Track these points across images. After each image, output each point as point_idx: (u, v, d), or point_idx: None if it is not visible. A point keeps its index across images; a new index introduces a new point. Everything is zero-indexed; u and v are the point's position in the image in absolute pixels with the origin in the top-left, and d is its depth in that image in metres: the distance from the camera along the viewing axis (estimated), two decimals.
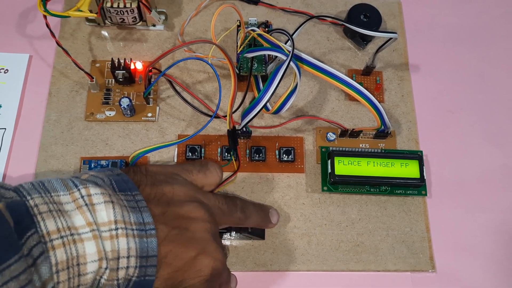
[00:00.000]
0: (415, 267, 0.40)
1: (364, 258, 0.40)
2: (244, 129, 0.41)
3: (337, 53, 0.47)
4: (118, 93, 0.44)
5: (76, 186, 0.27)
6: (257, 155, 0.42)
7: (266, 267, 0.39)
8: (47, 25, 0.41)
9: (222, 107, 0.44)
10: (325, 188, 0.41)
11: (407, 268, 0.40)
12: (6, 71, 0.45)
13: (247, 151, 0.43)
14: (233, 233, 0.39)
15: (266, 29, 0.45)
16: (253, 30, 0.42)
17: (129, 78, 0.43)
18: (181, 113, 0.44)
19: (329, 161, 0.41)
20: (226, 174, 0.41)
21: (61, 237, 0.25)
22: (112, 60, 0.42)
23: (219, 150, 0.42)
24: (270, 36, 0.41)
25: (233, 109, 0.42)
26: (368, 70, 0.45)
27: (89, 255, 0.26)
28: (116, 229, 0.27)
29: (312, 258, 0.40)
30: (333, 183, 0.41)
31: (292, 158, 0.42)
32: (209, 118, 0.41)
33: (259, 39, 0.42)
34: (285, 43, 0.41)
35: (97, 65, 0.45)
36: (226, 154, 0.42)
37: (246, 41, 0.42)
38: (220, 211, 0.35)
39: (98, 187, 0.28)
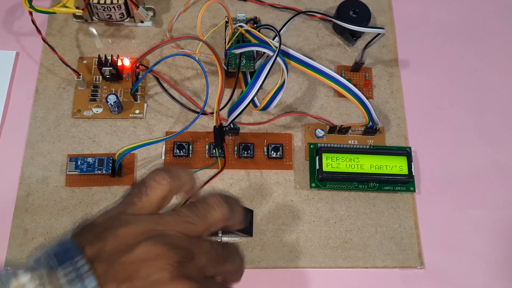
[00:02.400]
0: (404, 264, 0.40)
1: (353, 255, 0.40)
2: (231, 125, 0.41)
3: (326, 49, 0.47)
4: (106, 90, 0.44)
5: (7, 281, 0.25)
6: (245, 152, 0.42)
7: (254, 264, 0.39)
8: (33, 22, 0.40)
9: (210, 103, 0.44)
10: (313, 184, 0.41)
11: (395, 265, 0.40)
12: None
13: (235, 148, 0.42)
14: (220, 232, 0.38)
15: (254, 25, 0.45)
16: (241, 26, 0.42)
17: (117, 74, 0.43)
18: (169, 110, 0.44)
19: (317, 158, 0.41)
20: (213, 172, 0.41)
21: None
22: (99, 57, 0.42)
23: (207, 147, 0.42)
24: (257, 32, 0.41)
25: (221, 106, 0.42)
26: (357, 66, 0.45)
27: None
28: None
29: (300, 255, 0.40)
30: (321, 179, 0.40)
31: (280, 155, 0.42)
32: (196, 114, 0.41)
33: (247, 35, 0.41)
34: (273, 39, 0.41)
35: (85, 61, 0.45)
36: (213, 151, 0.41)
37: (234, 37, 0.42)
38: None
39: (29, 272, 0.25)
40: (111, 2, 0.42)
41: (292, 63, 0.40)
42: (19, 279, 0.25)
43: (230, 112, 0.39)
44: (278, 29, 0.42)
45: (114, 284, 0.26)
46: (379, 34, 0.40)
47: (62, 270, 0.26)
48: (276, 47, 0.38)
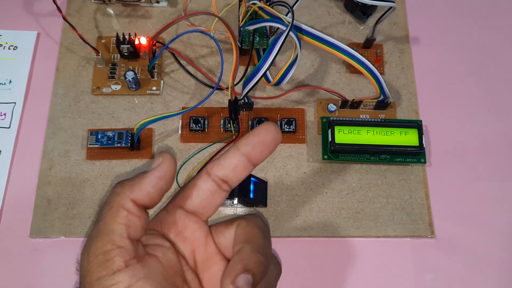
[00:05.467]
0: (415, 233, 0.41)
1: (364, 225, 0.41)
2: (246, 100, 0.42)
3: (337, 27, 0.48)
4: (124, 67, 0.45)
5: None
6: None
7: None
8: (54, 1, 0.42)
9: (225, 80, 0.45)
10: (325, 156, 0.42)
11: (406, 234, 0.41)
12: (15, 48, 0.46)
13: (249, 122, 0.44)
14: (236, 200, 0.40)
15: (268, 3, 0.46)
16: (254, 4, 0.43)
17: (134, 52, 0.44)
18: (184, 87, 0.45)
19: (329, 130, 0.42)
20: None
21: None
22: (117, 35, 0.43)
23: (222, 121, 0.43)
24: (271, 9, 0.41)
25: (235, 82, 0.43)
26: (369, 43, 0.46)
27: None
28: None
29: (313, 225, 0.41)
30: (334, 151, 0.41)
31: (293, 129, 0.43)
32: (211, 90, 0.42)
33: (260, 12, 0.42)
34: (286, 15, 0.42)
35: (103, 41, 0.46)
36: (228, 125, 0.43)
37: (248, 15, 0.43)
38: None
39: None
40: None
41: (305, 37, 0.41)
42: None
43: (244, 85, 0.40)
44: (291, 5, 0.43)
45: None
46: (390, 8, 0.41)
47: None
48: (289, 22, 0.39)
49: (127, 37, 0.43)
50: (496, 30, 0.49)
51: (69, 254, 0.39)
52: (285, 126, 0.43)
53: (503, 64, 0.48)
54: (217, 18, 0.41)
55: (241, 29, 0.43)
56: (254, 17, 0.43)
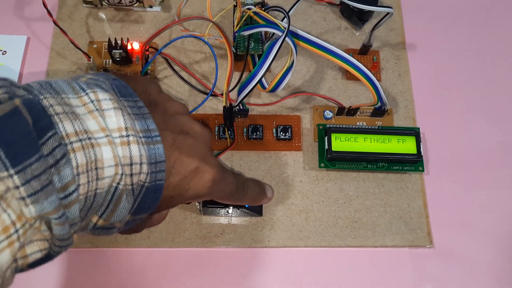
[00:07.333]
0: (413, 243, 0.40)
1: (362, 234, 0.40)
2: (241, 106, 0.41)
3: (334, 33, 0.48)
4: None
5: (84, 90, 0.26)
6: (255, 134, 0.42)
7: (263, 243, 0.39)
8: (44, 5, 0.41)
9: (219, 86, 0.44)
10: (322, 164, 0.41)
11: (404, 244, 0.40)
12: (4, 53, 0.45)
13: (245, 129, 0.43)
14: (231, 209, 0.39)
15: (263, 8, 0.45)
16: (249, 9, 0.42)
17: (126, 58, 0.43)
18: (178, 93, 0.44)
19: (326, 138, 0.41)
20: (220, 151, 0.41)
21: (80, 140, 0.24)
22: (109, 40, 0.42)
23: (216, 128, 0.42)
24: (266, 14, 0.41)
25: (230, 88, 0.42)
26: (365, 49, 0.45)
27: (106, 159, 0.25)
28: (127, 135, 0.26)
29: (309, 234, 0.40)
30: (330, 159, 0.41)
31: (289, 136, 0.42)
32: (206, 96, 0.41)
33: (255, 17, 0.42)
34: (282, 21, 0.41)
35: (95, 46, 0.45)
36: (222, 133, 0.42)
37: (243, 20, 0.43)
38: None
39: (106, 92, 0.26)
40: None
41: (301, 43, 0.40)
42: (98, 94, 0.26)
43: (240, 91, 0.39)
44: (287, 10, 0.42)
45: (171, 134, 0.29)
46: (387, 14, 0.40)
47: (126, 102, 0.27)
48: (285, 28, 0.39)
49: (119, 42, 0.43)
50: (493, 36, 0.49)
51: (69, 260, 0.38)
52: (281, 133, 0.42)
53: (501, 70, 0.47)
54: (211, 23, 0.41)
55: (236, 34, 0.42)
56: (249, 22, 0.43)
